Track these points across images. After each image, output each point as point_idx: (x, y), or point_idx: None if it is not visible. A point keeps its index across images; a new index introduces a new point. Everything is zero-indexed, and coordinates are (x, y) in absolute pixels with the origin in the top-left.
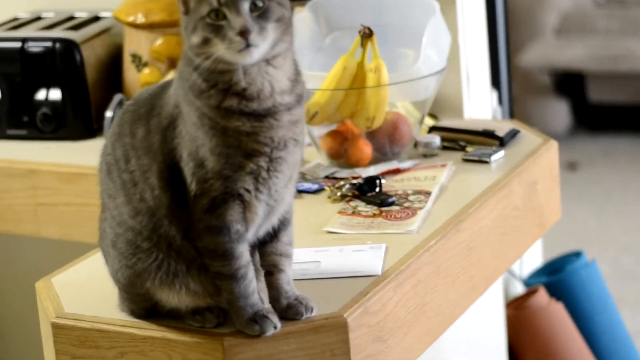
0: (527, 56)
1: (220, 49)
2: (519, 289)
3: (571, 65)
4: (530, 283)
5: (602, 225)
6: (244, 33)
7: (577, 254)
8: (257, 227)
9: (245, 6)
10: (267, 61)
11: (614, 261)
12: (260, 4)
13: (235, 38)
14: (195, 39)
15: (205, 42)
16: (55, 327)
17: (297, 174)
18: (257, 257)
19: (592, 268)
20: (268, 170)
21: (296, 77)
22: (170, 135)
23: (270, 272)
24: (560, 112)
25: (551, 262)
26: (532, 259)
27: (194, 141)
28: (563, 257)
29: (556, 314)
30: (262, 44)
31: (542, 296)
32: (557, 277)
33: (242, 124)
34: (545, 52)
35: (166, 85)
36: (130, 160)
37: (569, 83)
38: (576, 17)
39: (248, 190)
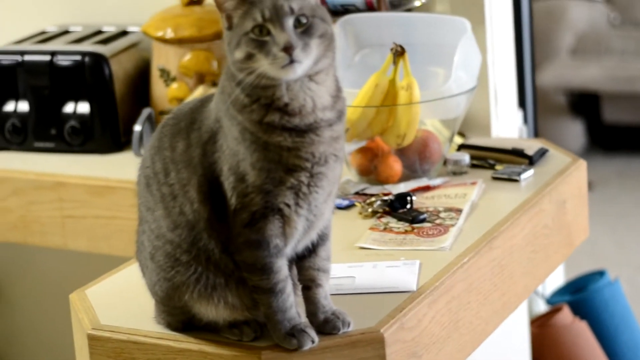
0: (543, 76)
1: (263, 65)
2: (541, 307)
3: (586, 86)
4: (554, 301)
5: (617, 245)
6: (288, 49)
7: (600, 273)
8: (296, 242)
9: (290, 22)
10: (310, 77)
11: (630, 280)
12: (304, 21)
13: (279, 54)
14: (239, 54)
15: (249, 57)
16: (91, 338)
17: (337, 189)
18: (295, 271)
19: (615, 287)
20: (308, 185)
21: (337, 93)
22: (211, 149)
23: (308, 286)
24: (575, 132)
25: (574, 281)
26: (553, 277)
27: (235, 155)
28: (586, 275)
29: (580, 332)
30: (306, 60)
31: (566, 314)
32: (580, 295)
33: (283, 139)
34: (561, 73)
35: (206, 100)
36: (170, 173)
37: (584, 103)
38: (592, 37)
39: (288, 205)
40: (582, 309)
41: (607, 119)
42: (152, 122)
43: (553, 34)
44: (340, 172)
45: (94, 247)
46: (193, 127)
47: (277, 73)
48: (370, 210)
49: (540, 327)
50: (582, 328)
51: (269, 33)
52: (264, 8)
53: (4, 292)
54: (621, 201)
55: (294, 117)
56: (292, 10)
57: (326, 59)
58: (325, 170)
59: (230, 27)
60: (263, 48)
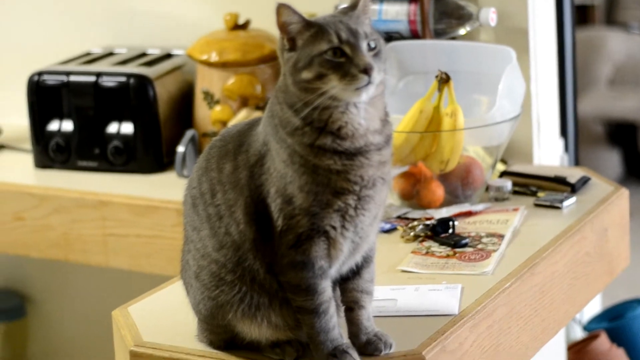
0: (581, 106)
1: (334, 85)
2: (578, 334)
3: (624, 116)
4: (591, 328)
5: None
6: (367, 70)
7: (638, 301)
8: (341, 264)
9: (365, 45)
10: (369, 101)
11: None
12: (373, 45)
13: (359, 75)
14: (308, 74)
15: (319, 77)
16: (134, 355)
17: (383, 212)
18: (338, 292)
19: None
20: (355, 208)
21: (386, 117)
22: (258, 172)
23: (351, 308)
24: (612, 161)
25: (611, 308)
26: (590, 304)
27: (283, 178)
28: (623, 303)
29: (617, 359)
30: (378, 82)
31: (603, 341)
32: (618, 322)
33: (333, 162)
34: (599, 103)
35: (254, 123)
36: (217, 194)
37: (621, 133)
38: (630, 68)
39: (334, 227)
40: (619, 336)
41: None
42: (195, 143)
43: (592, 64)
44: (386, 196)
45: (135, 265)
46: (241, 149)
47: (348, 95)
48: (412, 234)
49: (578, 353)
50: (619, 355)
51: (342, 55)
52: (338, 31)
53: (43, 309)
54: None
55: (345, 141)
56: (365, 35)
57: (383, 84)
58: (372, 194)
59: (293, 49)
60: (339, 69)
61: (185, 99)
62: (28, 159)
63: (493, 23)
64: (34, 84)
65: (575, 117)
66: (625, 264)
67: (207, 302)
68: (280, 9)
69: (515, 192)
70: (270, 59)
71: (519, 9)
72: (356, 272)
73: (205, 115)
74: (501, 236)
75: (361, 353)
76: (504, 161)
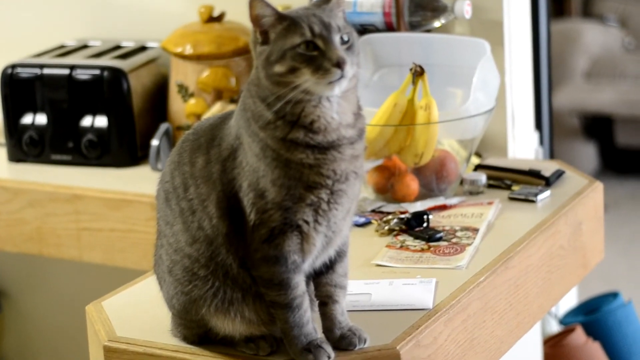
0: (557, 99)
1: (307, 79)
2: (554, 327)
3: (600, 109)
4: (567, 322)
5: (630, 266)
6: (340, 64)
7: (613, 295)
8: (314, 258)
9: (338, 39)
10: (341, 94)
11: None
12: (346, 38)
13: (332, 69)
14: (281, 67)
15: (292, 71)
16: (107, 350)
17: (356, 206)
18: (312, 287)
19: (628, 309)
20: (328, 202)
21: (358, 111)
22: (230, 166)
23: (325, 302)
24: (588, 154)
25: (587, 302)
26: (566, 298)
27: (255, 172)
28: (599, 297)
29: (593, 353)
30: (351, 75)
31: (579, 335)
32: (594, 316)
33: (305, 156)
34: (575, 96)
35: (227, 117)
36: (189, 188)
37: (597, 126)
38: (606, 61)
39: (307, 222)
40: (595, 330)
41: (620, 143)
42: (169, 137)
43: (568, 57)
44: (359, 190)
45: (109, 259)
46: (213, 143)
47: (321, 89)
48: (386, 228)
49: (554, 347)
50: (595, 349)
51: (315, 48)
52: (311, 24)
53: (18, 303)
54: (634, 223)
55: (317, 135)
56: (338, 28)
57: (355, 77)
58: (345, 188)
59: (265, 42)
60: (311, 63)
61: (159, 92)
62: (1, 153)
63: (468, 15)
64: (7, 76)
65: (550, 110)
66: (599, 257)
67: (181, 297)
68: (253, 1)
69: (489, 186)
70: (244, 51)
71: (494, 2)
72: (330, 266)
73: (180, 108)
74: (475, 230)
75: (335, 348)
76: (478, 154)
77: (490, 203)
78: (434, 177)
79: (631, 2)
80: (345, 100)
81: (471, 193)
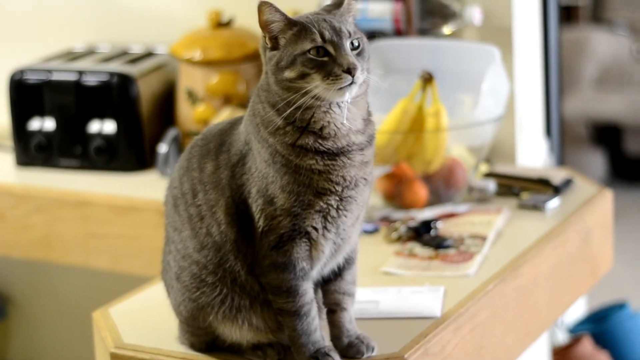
0: (566, 107)
1: (317, 85)
2: (561, 337)
3: (609, 117)
4: (575, 331)
5: (639, 276)
6: (351, 70)
7: (621, 305)
8: (323, 266)
9: (348, 44)
10: (351, 100)
11: None
12: (356, 44)
13: (343, 75)
14: (291, 73)
15: (302, 76)
16: (114, 357)
17: (365, 213)
18: (320, 294)
19: (636, 319)
20: (337, 209)
21: (368, 117)
22: (239, 172)
23: (333, 310)
24: (596, 162)
25: (596, 312)
26: (574, 307)
27: (264, 178)
28: (608, 307)
29: None
30: (361, 81)
31: (587, 344)
32: (602, 326)
33: (315, 162)
34: (584, 104)
35: (236, 122)
36: (198, 194)
37: (606, 134)
38: (615, 69)
39: (316, 229)
40: (603, 340)
41: (628, 151)
42: (177, 142)
43: (577, 64)
44: (369, 196)
45: (116, 265)
46: (222, 149)
47: (332, 95)
48: (395, 235)
49: (562, 356)
50: (603, 358)
51: (326, 54)
52: (322, 30)
53: (24, 309)
54: None
55: (327, 141)
56: (349, 33)
57: (365, 83)
58: (354, 194)
59: (274, 48)
60: (322, 68)
61: (168, 97)
62: (9, 157)
63: (477, 22)
64: (16, 81)
65: (560, 117)
66: (608, 266)
67: (188, 304)
68: (262, 6)
69: (498, 194)
70: (254, 57)
71: (504, 8)
72: (338, 273)
73: (188, 113)
74: (484, 238)
75: (343, 356)
76: (487, 162)
77: (499, 211)
78: (442, 184)
79: None
80: (355, 106)
81: (479, 200)
